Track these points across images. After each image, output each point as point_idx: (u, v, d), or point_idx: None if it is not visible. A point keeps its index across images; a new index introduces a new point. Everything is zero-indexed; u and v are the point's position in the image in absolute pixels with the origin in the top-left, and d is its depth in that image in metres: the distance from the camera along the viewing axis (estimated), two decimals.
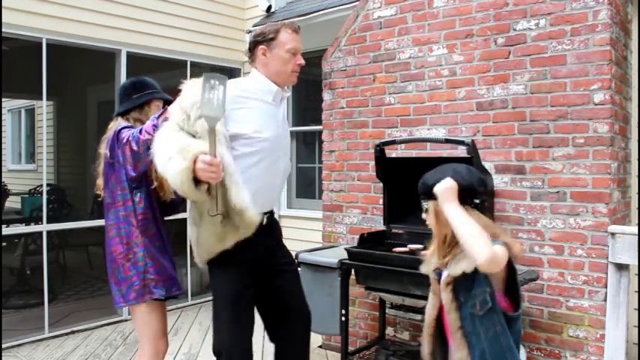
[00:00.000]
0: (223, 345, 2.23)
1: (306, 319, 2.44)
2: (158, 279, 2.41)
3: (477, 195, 1.70)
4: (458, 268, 1.64)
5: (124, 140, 2.29)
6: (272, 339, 2.45)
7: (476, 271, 1.61)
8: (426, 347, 1.79)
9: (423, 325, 1.82)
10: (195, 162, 1.89)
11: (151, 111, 2.51)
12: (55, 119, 6.92)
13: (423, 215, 1.77)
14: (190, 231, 2.27)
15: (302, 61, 2.28)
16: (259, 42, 2.25)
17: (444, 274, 1.72)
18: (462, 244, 1.59)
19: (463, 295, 1.67)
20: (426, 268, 1.83)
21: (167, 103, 2.50)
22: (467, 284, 1.65)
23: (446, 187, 1.66)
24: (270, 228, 2.31)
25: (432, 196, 1.70)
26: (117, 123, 2.46)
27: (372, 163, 3.43)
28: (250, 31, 5.17)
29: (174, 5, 4.97)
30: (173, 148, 1.95)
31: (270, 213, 2.32)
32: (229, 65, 5.43)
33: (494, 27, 3.12)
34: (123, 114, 2.51)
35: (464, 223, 1.60)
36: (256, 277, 2.28)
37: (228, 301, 2.22)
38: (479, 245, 1.55)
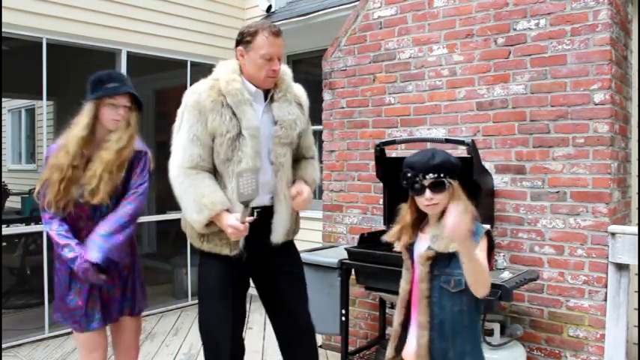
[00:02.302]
0: (208, 334, 2.26)
1: (304, 326, 2.39)
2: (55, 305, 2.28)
3: (460, 173, 1.83)
4: (445, 246, 1.75)
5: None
6: (278, 343, 2.45)
7: (456, 253, 1.71)
8: (397, 317, 1.92)
9: (397, 298, 1.94)
10: (216, 218, 2.12)
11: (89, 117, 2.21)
12: (55, 119, 6.92)
13: (429, 194, 1.78)
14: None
15: (276, 67, 2.19)
16: (238, 42, 2.23)
17: (422, 248, 1.83)
18: (472, 275, 1.67)
19: (437, 269, 1.80)
20: (399, 246, 1.93)
21: (134, 99, 2.27)
22: (444, 260, 1.78)
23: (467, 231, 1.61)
24: (265, 225, 2.25)
25: (449, 173, 1.78)
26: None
27: (372, 163, 3.43)
28: None
29: (175, 5, 4.96)
30: (188, 197, 2.15)
31: (262, 209, 2.24)
32: None
33: (495, 27, 3.12)
34: None
35: (483, 263, 1.70)
36: (250, 271, 2.30)
37: (214, 289, 2.24)
38: (485, 285, 1.70)
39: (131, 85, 2.30)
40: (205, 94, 2.15)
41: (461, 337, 1.78)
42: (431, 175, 1.77)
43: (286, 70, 2.32)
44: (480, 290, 1.69)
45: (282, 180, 2.25)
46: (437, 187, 1.77)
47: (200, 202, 2.10)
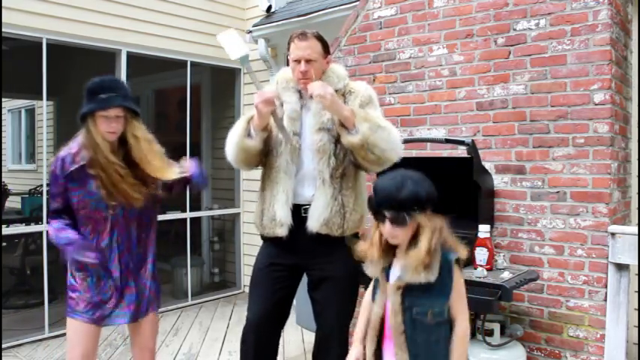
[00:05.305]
0: (247, 317, 2.41)
1: (327, 343, 2.39)
2: (78, 299, 2.21)
3: (434, 202, 1.69)
4: (417, 277, 1.66)
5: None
6: None
7: (431, 283, 1.66)
8: (370, 346, 1.78)
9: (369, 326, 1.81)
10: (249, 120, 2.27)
11: (94, 130, 2.13)
12: (55, 119, 6.92)
13: (389, 227, 1.68)
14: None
15: (302, 69, 2.26)
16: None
17: (394, 276, 1.75)
18: None
19: (409, 301, 1.71)
20: (372, 270, 1.82)
21: (131, 110, 2.17)
22: (417, 292, 1.69)
23: None
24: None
25: (416, 207, 1.65)
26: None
27: None
28: (250, 31, 5.18)
29: (174, 5, 4.96)
30: (230, 139, 2.34)
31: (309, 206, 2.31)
32: (229, 65, 5.38)
33: (495, 27, 3.12)
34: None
35: None
36: (300, 269, 2.40)
37: (252, 276, 2.44)
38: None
39: (125, 92, 2.20)
40: (271, 87, 2.41)
41: None
42: (392, 211, 1.66)
43: (331, 68, 2.39)
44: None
45: (324, 166, 2.29)
46: (398, 222, 1.66)
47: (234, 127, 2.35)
